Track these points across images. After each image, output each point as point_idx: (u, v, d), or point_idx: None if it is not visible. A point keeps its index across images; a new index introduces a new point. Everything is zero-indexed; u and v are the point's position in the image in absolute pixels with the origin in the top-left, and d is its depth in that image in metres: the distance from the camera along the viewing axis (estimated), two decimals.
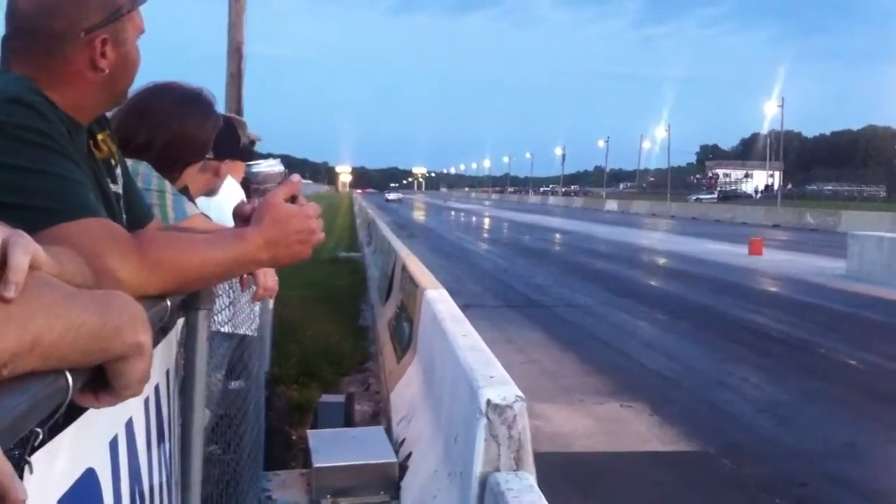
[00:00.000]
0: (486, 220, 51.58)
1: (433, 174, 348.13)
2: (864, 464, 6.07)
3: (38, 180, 1.36)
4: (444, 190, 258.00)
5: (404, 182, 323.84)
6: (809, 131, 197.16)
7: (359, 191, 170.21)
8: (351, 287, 14.42)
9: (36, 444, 0.87)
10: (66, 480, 0.98)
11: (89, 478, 1.07)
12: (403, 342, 6.64)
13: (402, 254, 9.53)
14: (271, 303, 6.65)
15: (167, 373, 1.67)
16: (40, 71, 1.52)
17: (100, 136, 1.68)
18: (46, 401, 0.90)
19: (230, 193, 3.88)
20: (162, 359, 1.60)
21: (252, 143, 6.10)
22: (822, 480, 5.73)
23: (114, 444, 1.20)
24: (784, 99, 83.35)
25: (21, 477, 0.84)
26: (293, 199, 1.67)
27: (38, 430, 0.87)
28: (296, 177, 1.72)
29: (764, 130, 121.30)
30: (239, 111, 13.16)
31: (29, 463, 0.85)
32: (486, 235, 36.85)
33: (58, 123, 1.46)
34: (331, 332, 9.48)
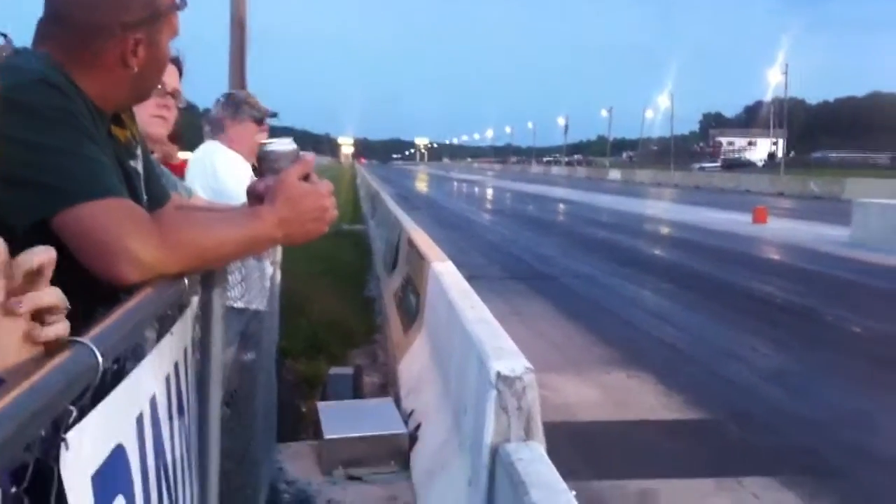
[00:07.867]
0: (490, 191, 51.47)
1: (436, 145, 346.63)
2: (874, 431, 6.08)
3: (63, 160, 1.38)
4: (446, 161, 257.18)
5: (406, 153, 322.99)
6: (813, 98, 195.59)
7: (363, 160, 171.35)
8: (356, 259, 14.44)
9: (70, 421, 0.89)
10: (98, 457, 1.01)
11: (119, 454, 1.10)
12: (410, 314, 6.68)
13: (407, 227, 9.54)
14: (279, 276, 6.67)
15: (185, 350, 1.69)
16: (71, 58, 1.53)
17: (122, 115, 1.69)
18: (79, 379, 0.92)
19: (242, 171, 3.89)
20: (179, 336, 1.63)
21: (273, 116, 5.96)
22: (833, 448, 5.74)
23: (139, 421, 1.23)
24: (788, 66, 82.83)
25: (57, 455, 0.86)
26: (306, 178, 1.68)
27: (72, 408, 0.90)
28: (309, 155, 1.74)
29: (767, 98, 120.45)
30: (242, 85, 13.10)
31: (65, 440, 0.88)
32: (489, 206, 36.80)
33: (81, 105, 1.47)
34: (337, 305, 9.51)
